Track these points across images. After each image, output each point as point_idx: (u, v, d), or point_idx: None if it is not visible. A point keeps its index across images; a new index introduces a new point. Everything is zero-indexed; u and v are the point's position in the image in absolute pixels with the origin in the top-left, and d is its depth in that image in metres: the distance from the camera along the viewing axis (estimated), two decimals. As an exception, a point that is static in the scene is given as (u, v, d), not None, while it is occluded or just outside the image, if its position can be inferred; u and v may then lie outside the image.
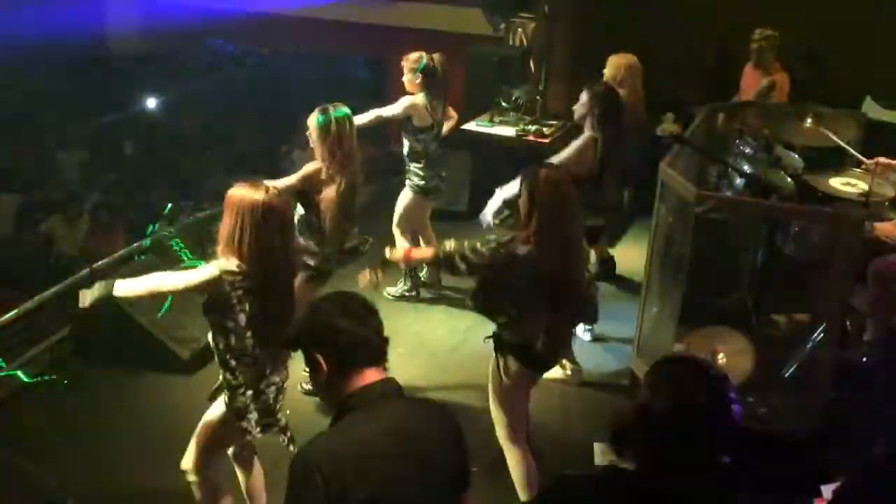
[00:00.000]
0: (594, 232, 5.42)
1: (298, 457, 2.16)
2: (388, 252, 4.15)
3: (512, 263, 3.64)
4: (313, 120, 4.55)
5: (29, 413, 4.92)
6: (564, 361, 5.04)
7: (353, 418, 2.21)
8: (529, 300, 3.67)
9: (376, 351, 2.29)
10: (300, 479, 2.09)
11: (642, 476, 1.96)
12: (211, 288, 3.29)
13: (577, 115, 5.28)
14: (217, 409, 3.54)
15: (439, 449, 2.25)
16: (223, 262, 3.29)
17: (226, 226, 3.31)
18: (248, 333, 3.34)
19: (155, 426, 4.69)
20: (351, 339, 2.24)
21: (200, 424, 3.60)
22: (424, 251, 4.75)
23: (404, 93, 5.77)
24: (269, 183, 3.48)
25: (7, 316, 5.20)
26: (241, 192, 3.32)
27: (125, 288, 3.43)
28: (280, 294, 3.39)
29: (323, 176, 4.52)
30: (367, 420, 2.19)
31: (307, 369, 2.34)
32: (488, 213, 5.00)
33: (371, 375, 2.25)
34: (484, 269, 3.74)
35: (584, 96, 5.21)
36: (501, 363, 3.82)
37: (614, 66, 5.97)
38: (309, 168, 4.58)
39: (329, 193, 4.52)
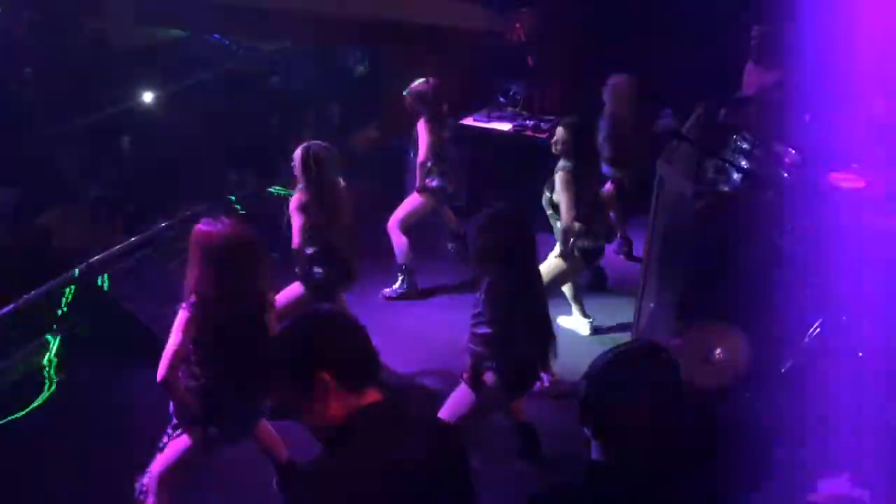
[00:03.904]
0: (595, 253, 5.49)
1: (302, 478, 2.06)
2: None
3: None
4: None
5: (26, 407, 4.91)
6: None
7: (353, 445, 2.04)
8: None
9: (373, 367, 2.14)
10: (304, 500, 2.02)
11: (617, 470, 1.99)
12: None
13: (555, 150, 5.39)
14: None
15: (434, 482, 2.11)
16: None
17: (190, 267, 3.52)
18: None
19: (153, 423, 4.69)
20: (353, 352, 2.08)
21: None
22: None
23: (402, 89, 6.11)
24: None
25: (5, 310, 5.19)
26: (198, 231, 3.48)
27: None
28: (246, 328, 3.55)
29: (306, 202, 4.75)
30: (368, 449, 2.04)
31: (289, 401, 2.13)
32: None
33: (372, 395, 2.09)
34: None
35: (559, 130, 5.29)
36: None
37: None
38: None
39: (311, 219, 4.75)
